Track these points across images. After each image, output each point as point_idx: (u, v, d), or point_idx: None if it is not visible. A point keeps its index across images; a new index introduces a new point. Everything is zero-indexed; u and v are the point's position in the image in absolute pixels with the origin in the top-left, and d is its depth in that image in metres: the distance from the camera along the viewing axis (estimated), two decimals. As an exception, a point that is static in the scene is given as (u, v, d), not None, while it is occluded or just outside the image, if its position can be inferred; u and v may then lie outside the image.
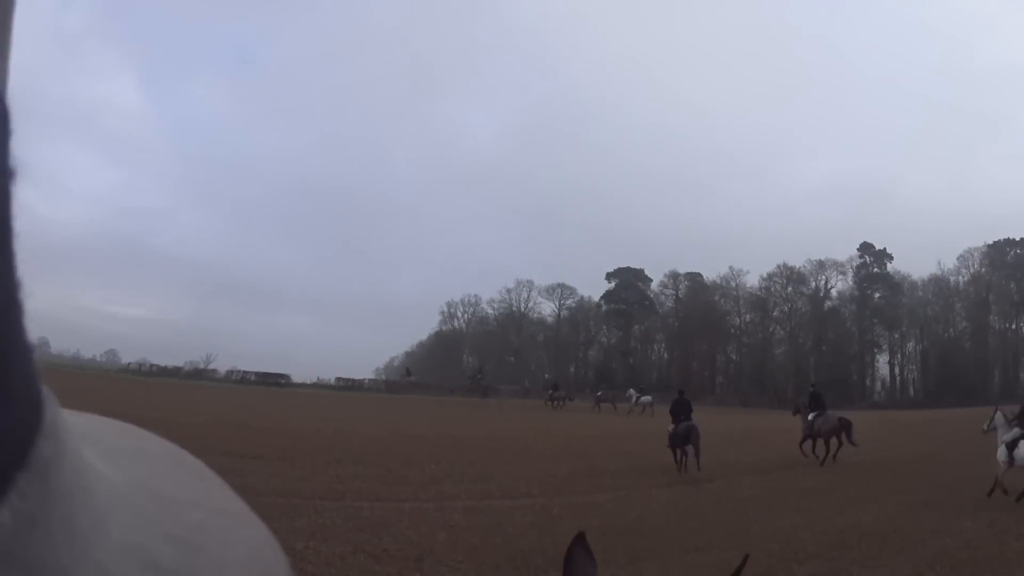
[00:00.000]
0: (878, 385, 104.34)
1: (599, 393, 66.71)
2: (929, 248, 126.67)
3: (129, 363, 78.75)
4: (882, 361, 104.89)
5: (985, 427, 18.32)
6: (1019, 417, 17.37)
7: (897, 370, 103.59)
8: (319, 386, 71.48)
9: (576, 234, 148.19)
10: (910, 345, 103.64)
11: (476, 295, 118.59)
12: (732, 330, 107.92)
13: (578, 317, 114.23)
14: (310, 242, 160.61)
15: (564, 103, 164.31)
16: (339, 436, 24.54)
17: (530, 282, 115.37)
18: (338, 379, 75.64)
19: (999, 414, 17.86)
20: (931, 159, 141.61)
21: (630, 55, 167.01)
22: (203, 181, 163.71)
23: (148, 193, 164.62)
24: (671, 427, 22.50)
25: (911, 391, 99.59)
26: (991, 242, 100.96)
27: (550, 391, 63.29)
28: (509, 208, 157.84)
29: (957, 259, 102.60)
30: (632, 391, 64.01)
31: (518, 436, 29.11)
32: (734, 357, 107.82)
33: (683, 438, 21.66)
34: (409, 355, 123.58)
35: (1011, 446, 16.54)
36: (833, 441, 24.16)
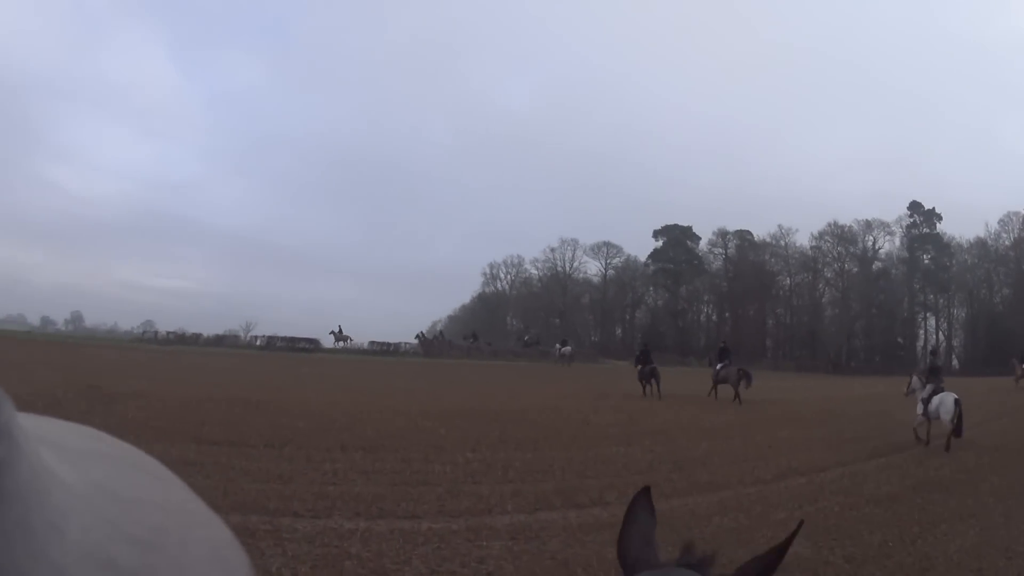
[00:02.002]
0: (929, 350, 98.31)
1: (527, 337, 79.18)
2: (973, 211, 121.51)
3: (144, 332, 74.71)
4: (931, 326, 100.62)
5: (905, 390, 21.29)
6: (928, 377, 19.99)
7: (942, 335, 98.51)
8: (350, 351, 66.24)
9: (621, 191, 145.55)
10: (955, 310, 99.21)
11: (519, 256, 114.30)
12: (782, 291, 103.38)
13: (624, 277, 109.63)
14: (349, 209, 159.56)
15: (605, 62, 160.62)
16: (354, 413, 19.85)
17: (575, 241, 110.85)
18: (371, 343, 70.10)
19: (915, 378, 20.88)
20: (958, 126, 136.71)
21: (672, 16, 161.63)
22: (240, 152, 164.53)
23: (184, 166, 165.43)
24: (638, 368, 33.67)
25: (959, 358, 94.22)
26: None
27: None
28: (551, 168, 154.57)
29: (998, 223, 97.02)
30: (557, 344, 68.93)
31: (574, 408, 24.38)
32: (786, 320, 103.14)
33: (648, 375, 32.37)
34: (452, 319, 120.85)
35: (926, 402, 18.95)
36: (736, 386, 30.63)
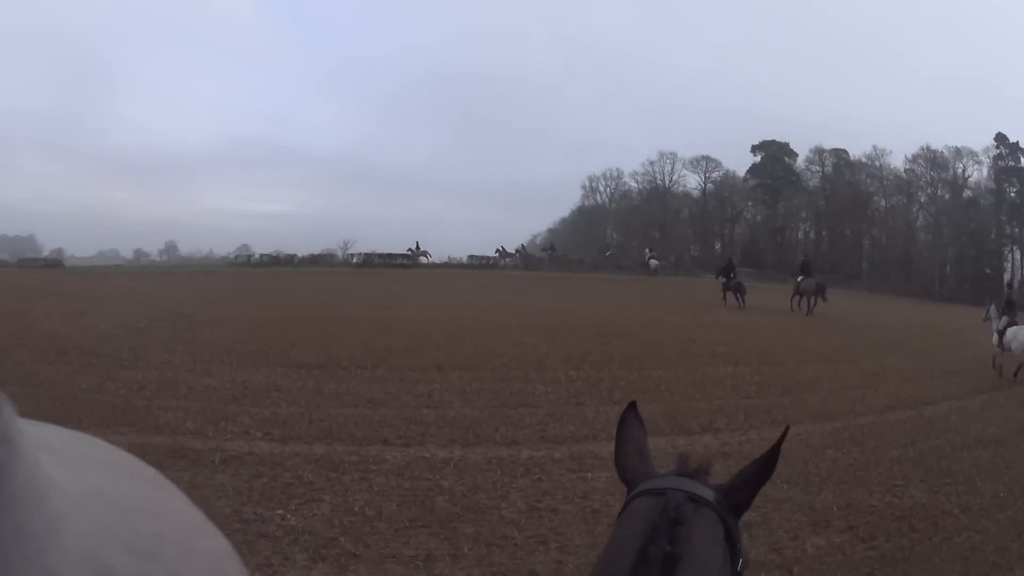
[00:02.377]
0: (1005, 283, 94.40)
1: (608, 252, 77.60)
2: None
3: (237, 256, 73.60)
4: (1017, 259, 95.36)
5: (984, 317, 21.27)
6: (1005, 309, 19.92)
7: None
8: (450, 266, 65.49)
9: (717, 106, 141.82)
10: None
11: (618, 169, 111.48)
12: (876, 212, 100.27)
13: (723, 192, 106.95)
14: (447, 127, 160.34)
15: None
16: (452, 329, 19.16)
17: (674, 154, 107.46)
18: (471, 257, 68.79)
19: (993, 307, 20.64)
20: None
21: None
22: (333, 75, 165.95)
23: (277, 93, 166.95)
24: (722, 280, 36.21)
25: None
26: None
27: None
28: (649, 82, 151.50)
29: None
30: (647, 249, 69.11)
31: (678, 324, 23.39)
32: (881, 242, 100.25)
33: (735, 288, 34.63)
34: (552, 232, 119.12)
35: (1001, 333, 18.97)
36: (810, 299, 33.27)
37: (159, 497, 0.54)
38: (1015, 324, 19.06)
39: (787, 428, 1.70)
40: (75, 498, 0.42)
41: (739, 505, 1.53)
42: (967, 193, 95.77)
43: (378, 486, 7.11)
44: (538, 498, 7.08)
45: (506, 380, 12.64)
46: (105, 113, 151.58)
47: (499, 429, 9.50)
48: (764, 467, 1.57)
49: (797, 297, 34.21)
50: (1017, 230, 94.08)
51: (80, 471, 0.47)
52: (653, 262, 60.73)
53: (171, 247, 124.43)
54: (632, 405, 1.76)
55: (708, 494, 1.47)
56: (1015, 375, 17.54)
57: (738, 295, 34.45)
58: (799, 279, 35.27)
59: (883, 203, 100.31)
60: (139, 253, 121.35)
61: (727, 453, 8.87)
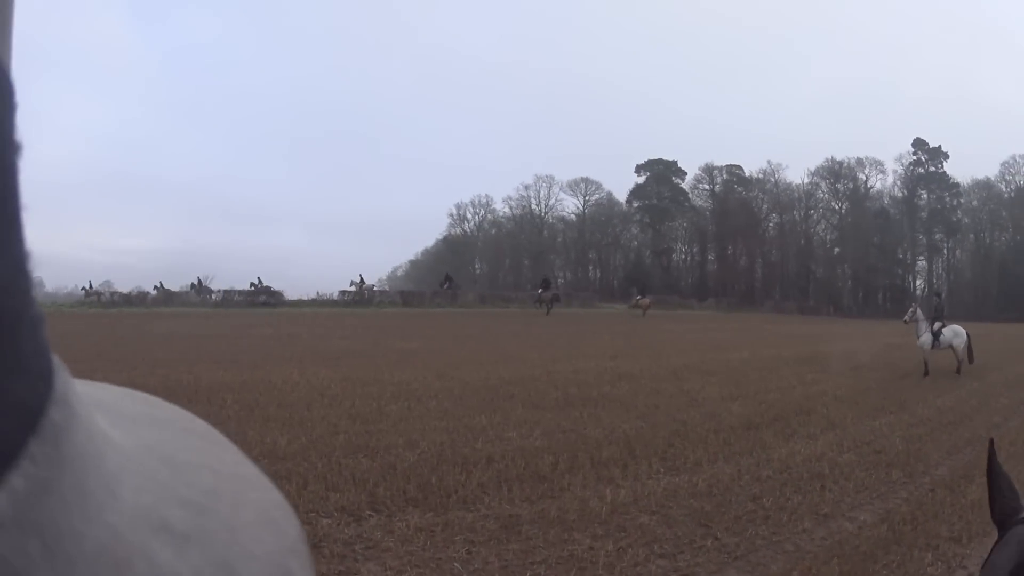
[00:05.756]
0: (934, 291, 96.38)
1: (445, 285, 67.19)
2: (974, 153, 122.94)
3: (87, 295, 66.36)
4: (933, 267, 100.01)
5: (906, 318, 22.71)
6: (937, 314, 22.00)
7: (937, 279, 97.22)
8: (319, 303, 60.75)
9: (600, 129, 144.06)
10: (950, 252, 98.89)
11: (487, 195, 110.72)
12: (770, 228, 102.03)
13: (601, 216, 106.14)
14: (308, 157, 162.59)
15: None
16: (360, 406, 12.87)
17: (551, 177, 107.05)
18: (343, 292, 63.93)
19: (918, 310, 22.29)
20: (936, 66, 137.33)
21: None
22: (193, 106, 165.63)
23: (142, 124, 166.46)
24: (446, 286, 58.93)
25: (963, 302, 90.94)
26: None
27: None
28: (523, 106, 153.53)
29: (1000, 166, 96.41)
30: (637, 295, 60.50)
31: (644, 372, 17.97)
32: (776, 259, 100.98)
33: (451, 292, 58.34)
34: (414, 263, 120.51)
35: (936, 334, 21.10)
36: (548, 303, 51.07)
37: (213, 451, 0.52)
38: (946, 326, 21.30)
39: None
40: (130, 455, 0.43)
41: None
42: (872, 204, 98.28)
43: None
44: None
45: (506, 542, 6.50)
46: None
47: None
48: None
49: (539, 303, 52.02)
50: (933, 237, 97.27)
51: (134, 428, 0.47)
52: (643, 300, 56.56)
53: (37, 283, 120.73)
54: (991, 444, 1.79)
55: None
56: (957, 370, 20.29)
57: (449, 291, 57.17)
58: (539, 291, 53.88)
59: (779, 219, 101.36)
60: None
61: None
